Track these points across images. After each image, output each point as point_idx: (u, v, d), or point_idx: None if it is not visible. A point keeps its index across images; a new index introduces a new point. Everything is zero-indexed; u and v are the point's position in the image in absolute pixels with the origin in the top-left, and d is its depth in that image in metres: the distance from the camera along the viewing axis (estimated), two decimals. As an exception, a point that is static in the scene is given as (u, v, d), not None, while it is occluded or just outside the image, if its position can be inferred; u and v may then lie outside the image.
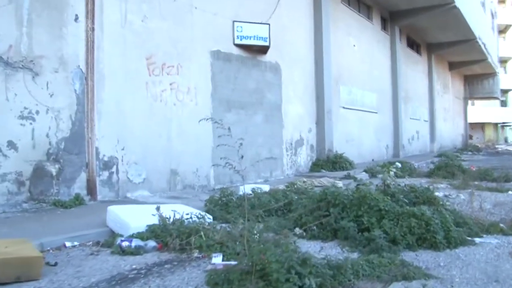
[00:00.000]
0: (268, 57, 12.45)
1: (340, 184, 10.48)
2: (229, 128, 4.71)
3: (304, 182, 10.56)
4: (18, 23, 7.35)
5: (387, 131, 21.10)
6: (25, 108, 7.33)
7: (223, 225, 5.67)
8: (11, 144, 7.15)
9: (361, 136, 18.10)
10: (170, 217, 5.42)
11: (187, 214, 5.56)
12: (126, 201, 8.30)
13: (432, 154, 24.44)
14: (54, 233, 5.54)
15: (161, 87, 9.44)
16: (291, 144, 13.44)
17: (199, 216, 5.59)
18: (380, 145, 20.15)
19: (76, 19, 8.05)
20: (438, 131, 30.18)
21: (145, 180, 9.02)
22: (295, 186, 9.09)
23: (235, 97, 11.28)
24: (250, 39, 11.41)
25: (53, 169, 7.70)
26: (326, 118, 14.71)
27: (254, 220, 5.69)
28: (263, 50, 11.93)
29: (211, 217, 6.04)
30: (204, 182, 10.32)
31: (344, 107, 16.78)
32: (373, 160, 18.56)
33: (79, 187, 7.91)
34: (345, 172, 13.15)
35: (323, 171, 14.03)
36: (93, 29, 8.30)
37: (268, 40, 11.49)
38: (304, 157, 14.13)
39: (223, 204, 7.09)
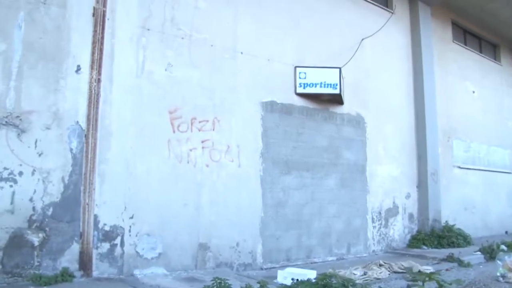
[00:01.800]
0: (346, 108, 9.75)
1: (430, 270, 7.22)
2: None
3: (380, 265, 7.54)
4: (5, 77, 5.97)
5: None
6: (5, 168, 5.87)
7: None
8: (-20, 209, 5.56)
9: (486, 203, 13.88)
10: None
11: None
12: (127, 280, 6.37)
13: None
14: None
15: (189, 145, 7.39)
16: (380, 213, 10.24)
17: None
18: (516, 214, 15.43)
19: (78, 70, 6.56)
20: None
21: (161, 255, 6.95)
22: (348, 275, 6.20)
23: (297, 157, 8.73)
24: (315, 86, 8.91)
25: (35, 238, 6.08)
26: (430, 181, 11.22)
27: None
28: (337, 100, 9.26)
29: None
30: (248, 259, 7.82)
31: (459, 167, 12.98)
32: (506, 232, 14.11)
33: (68, 260, 6.19)
34: (451, 251, 9.51)
35: (424, 247, 10.48)
36: (99, 80, 6.72)
37: (338, 87, 8.85)
38: (400, 229, 10.75)
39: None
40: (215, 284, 4.80)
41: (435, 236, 10.74)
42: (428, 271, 7.45)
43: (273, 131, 8.44)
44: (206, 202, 7.49)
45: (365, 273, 7.29)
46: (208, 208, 7.49)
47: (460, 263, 8.70)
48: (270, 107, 8.46)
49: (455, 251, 9.70)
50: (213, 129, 7.71)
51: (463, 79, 13.66)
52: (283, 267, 8.05)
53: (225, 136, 7.83)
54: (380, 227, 10.21)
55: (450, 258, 8.87)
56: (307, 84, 8.89)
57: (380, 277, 7.22)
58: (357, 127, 9.96)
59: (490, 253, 9.47)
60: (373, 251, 9.98)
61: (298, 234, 8.60)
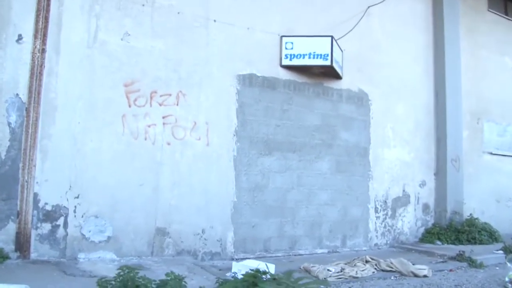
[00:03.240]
0: (346, 83, 8.63)
1: (424, 272, 6.11)
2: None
3: (366, 261, 6.53)
4: None
5: None
6: None
7: None
8: None
9: (526, 195, 12.10)
10: None
11: None
12: (63, 264, 5.77)
13: None
14: None
15: (147, 121, 6.68)
16: (385, 202, 9.04)
17: None
18: None
19: (19, 39, 6.00)
20: None
21: (111, 239, 6.33)
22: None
23: (281, 137, 7.78)
24: (303, 58, 7.85)
25: (-39, 216, 5.64)
26: (450, 168, 9.82)
27: None
28: (333, 73, 8.17)
29: None
30: (216, 248, 7.04)
31: (491, 153, 11.35)
32: (549, 229, 12.24)
33: (3, 240, 5.68)
34: (469, 248, 8.21)
35: (438, 243, 9.18)
36: (43, 51, 6.20)
37: (329, 58, 7.76)
38: (411, 221, 9.48)
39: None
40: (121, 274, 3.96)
41: (453, 231, 9.38)
42: (423, 272, 6.34)
43: (251, 108, 7.52)
44: (167, 183, 6.73)
45: (342, 270, 6.26)
46: (169, 190, 6.74)
47: (471, 263, 7.44)
48: (248, 80, 7.53)
49: (474, 249, 8.42)
50: (177, 104, 6.92)
51: (500, 54, 11.93)
52: (259, 258, 7.16)
53: (192, 112, 7.02)
54: (385, 218, 9.02)
55: (459, 257, 7.61)
56: (294, 55, 7.87)
57: (359, 275, 6.16)
58: (359, 105, 8.80)
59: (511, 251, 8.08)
60: (376, 244, 8.82)
61: (280, 223, 7.65)
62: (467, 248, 8.46)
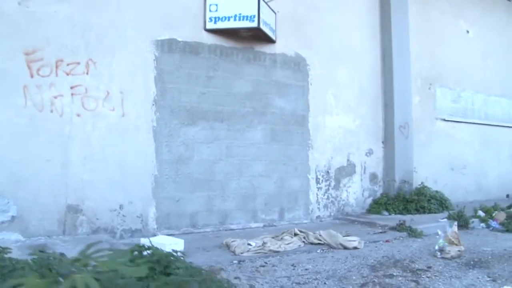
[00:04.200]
0: (281, 47, 8.39)
1: (354, 244, 5.95)
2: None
3: (295, 234, 6.39)
4: None
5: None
6: None
7: None
8: None
9: (483, 162, 12.14)
10: None
11: None
12: None
13: None
14: None
15: (53, 92, 6.37)
16: (328, 172, 8.88)
17: None
18: (522, 175, 13.50)
19: None
20: None
21: (16, 219, 6.04)
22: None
23: (207, 105, 7.52)
24: (229, 20, 7.54)
25: None
26: (398, 135, 9.69)
27: None
28: (265, 37, 7.90)
29: None
30: (136, 225, 6.80)
31: (445, 119, 11.26)
32: (507, 196, 12.34)
33: None
34: (411, 218, 8.15)
35: (385, 213, 9.07)
36: None
37: (256, 19, 7.48)
38: (357, 192, 9.36)
39: None
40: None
41: (401, 200, 9.30)
42: (352, 244, 6.18)
43: (172, 75, 7.24)
44: (77, 158, 6.45)
45: (263, 244, 6.04)
46: (80, 165, 6.46)
47: (411, 232, 7.34)
48: (168, 46, 7.23)
49: (420, 218, 8.38)
50: (87, 73, 6.60)
51: (454, 16, 11.82)
52: (185, 234, 7.00)
53: (104, 81, 6.71)
54: (328, 189, 8.87)
55: (399, 227, 7.51)
56: (219, 18, 7.58)
57: (281, 249, 5.95)
58: (296, 70, 8.57)
59: (458, 219, 7.98)
60: (318, 217, 8.68)
61: (208, 196, 7.44)
62: (411, 217, 8.40)
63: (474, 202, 10.21)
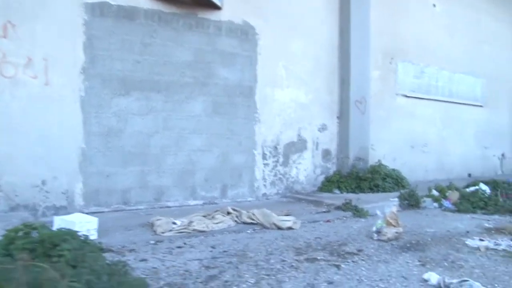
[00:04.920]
0: (227, 14, 8.08)
1: (288, 224, 5.80)
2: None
3: (228, 213, 6.21)
4: None
5: (504, 135, 14.25)
6: None
7: None
8: None
9: (445, 141, 12.08)
10: None
11: None
12: None
13: None
14: None
15: (-38, 56, 5.89)
16: (276, 148, 8.68)
17: None
18: (486, 155, 13.53)
19: None
20: None
21: None
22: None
23: (143, 74, 7.22)
24: (167, -17, 7.18)
25: None
26: (354, 110, 9.53)
27: None
28: (208, 2, 7.55)
29: None
30: (61, 201, 6.55)
31: (406, 96, 11.12)
32: (469, 175, 12.34)
33: None
34: (364, 197, 8.07)
35: (337, 191, 8.94)
36: None
37: (197, -17, 7.10)
38: (308, 169, 9.19)
39: None
40: None
41: (354, 178, 9.16)
42: (286, 224, 6.00)
43: (104, 41, 6.90)
44: (-7, 128, 6.09)
45: (189, 223, 5.82)
46: (-4, 135, 6.10)
47: (356, 212, 7.20)
48: (99, 10, 6.86)
49: (371, 197, 8.27)
50: (5, 37, 6.22)
51: (420, -12, 11.55)
52: (116, 211, 6.77)
53: (25, 46, 6.35)
54: (275, 166, 8.68)
55: (345, 206, 7.36)
56: (156, -20, 7.19)
57: (208, 229, 5.73)
58: (244, 39, 8.28)
59: (409, 199, 7.90)
60: (264, 194, 8.51)
61: (141, 172, 7.19)
62: (361, 196, 8.32)
63: (434, 181, 10.15)
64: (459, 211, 7.77)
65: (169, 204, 7.43)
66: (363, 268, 4.18)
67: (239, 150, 8.19)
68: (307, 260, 4.44)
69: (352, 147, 9.46)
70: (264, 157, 8.52)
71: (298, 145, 9.03)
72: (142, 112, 7.23)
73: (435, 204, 8.23)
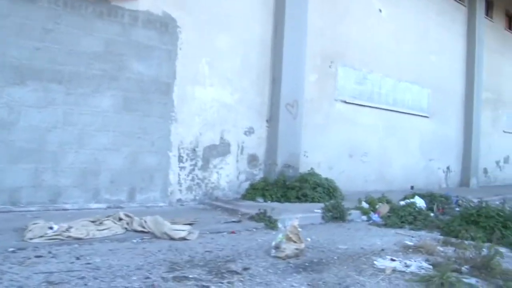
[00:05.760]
0: (145, 3, 7.72)
1: (181, 234, 5.49)
2: None
3: (120, 219, 5.85)
4: None
5: (450, 147, 14.36)
6: None
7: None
8: None
9: (387, 150, 12.00)
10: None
11: None
12: None
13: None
14: None
15: None
16: (194, 150, 8.37)
17: None
18: (431, 167, 13.57)
19: None
20: None
21: None
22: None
23: (42, 63, 6.83)
24: (73, -35, 6.80)
25: None
26: (284, 114, 9.31)
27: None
28: (123, -10, 7.22)
29: None
30: None
31: (346, 102, 10.98)
32: (412, 188, 12.25)
33: None
34: (289, 207, 7.81)
35: (259, 200, 8.66)
36: None
37: (105, -33, 6.74)
38: (231, 175, 8.92)
39: None
40: None
41: (281, 187, 8.88)
42: (179, 234, 5.61)
43: (-5, 24, 6.44)
44: None
45: (68, 229, 5.39)
46: None
47: (269, 223, 6.87)
48: (-10, -11, 6.42)
49: (294, 207, 8.02)
50: None
51: (367, -7, 11.50)
52: (1, 212, 6.29)
53: None
54: (193, 169, 8.37)
55: (258, 216, 7.04)
56: (61, -39, 6.81)
57: (84, 236, 5.30)
58: (163, 31, 7.97)
59: (333, 211, 7.67)
60: (179, 200, 8.18)
61: (35, 169, 6.76)
62: (282, 206, 8.08)
63: (374, 193, 9.95)
64: (386, 225, 7.53)
65: (67, 206, 7.01)
66: (236, 292, 3.80)
67: (151, 150, 7.84)
68: (174, 278, 4.02)
69: (281, 153, 9.22)
70: (180, 159, 8.19)
71: (221, 149, 8.74)
72: (40, 105, 6.81)
73: (364, 217, 8.01)
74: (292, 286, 3.95)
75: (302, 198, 8.87)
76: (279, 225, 5.60)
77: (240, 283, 3.94)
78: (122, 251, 4.89)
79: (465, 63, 15.03)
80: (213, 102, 8.62)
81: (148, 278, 3.96)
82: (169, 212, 7.32)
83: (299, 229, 5.21)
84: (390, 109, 12.00)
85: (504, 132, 17.87)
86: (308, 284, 4.00)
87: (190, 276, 4.08)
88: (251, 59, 9.17)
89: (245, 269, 4.40)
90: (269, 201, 8.64)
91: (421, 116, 13.01)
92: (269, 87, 9.43)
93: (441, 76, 13.76)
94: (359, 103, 11.22)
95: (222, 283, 3.92)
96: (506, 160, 18.09)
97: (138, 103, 7.68)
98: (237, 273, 4.26)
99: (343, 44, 10.88)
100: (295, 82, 9.50)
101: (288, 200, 8.76)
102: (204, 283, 3.88)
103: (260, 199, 8.66)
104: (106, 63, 7.38)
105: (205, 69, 8.51)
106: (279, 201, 8.71)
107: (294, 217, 7.23)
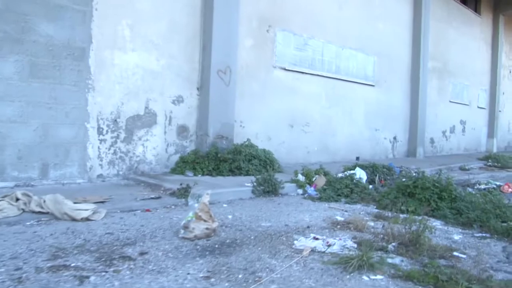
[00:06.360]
0: (51, -41, 7.01)
1: (84, 214, 5.01)
2: None
3: (17, 199, 5.32)
4: None
5: (396, 117, 14.34)
6: None
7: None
8: None
9: (331, 120, 11.78)
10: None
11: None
12: None
13: (483, 155, 17.14)
14: None
15: None
16: (116, 121, 7.86)
17: None
18: (377, 137, 13.50)
19: None
20: (505, 123, 21.98)
21: None
22: None
23: None
24: None
25: None
26: (216, 81, 8.88)
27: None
28: None
29: None
30: None
31: (285, 69, 10.62)
32: (357, 159, 12.12)
33: None
34: (221, 181, 7.44)
35: (189, 174, 8.26)
36: None
37: None
38: (158, 147, 8.46)
39: None
40: None
41: (213, 159, 8.49)
42: (82, 214, 5.12)
43: None
44: None
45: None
46: None
47: (185, 191, 6.51)
48: None
49: (222, 181, 7.64)
50: None
51: (306, -48, 11.06)
52: None
53: None
54: (115, 142, 7.87)
55: (180, 192, 6.64)
56: None
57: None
58: (74, -9, 7.30)
59: (264, 185, 7.36)
60: (100, 175, 7.69)
61: None
62: (210, 180, 7.75)
63: (317, 164, 9.72)
64: (320, 199, 7.26)
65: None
66: (116, 283, 3.30)
67: (65, 122, 7.29)
68: (50, 268, 3.54)
69: (213, 123, 8.82)
70: (100, 131, 7.67)
71: (146, 119, 8.26)
72: None
73: (299, 191, 7.74)
74: (188, 273, 3.53)
75: (236, 171, 8.55)
76: (190, 201, 5.17)
77: (128, 272, 3.52)
78: (7, 237, 4.40)
79: (412, 31, 14.93)
80: (136, 68, 8.09)
81: (19, 269, 3.48)
82: (87, 189, 6.91)
83: (209, 206, 4.82)
84: (333, 77, 11.74)
85: (450, 102, 18.05)
86: (208, 271, 3.59)
87: (72, 264, 3.63)
88: (179, 22, 8.66)
89: (142, 253, 4.00)
90: (200, 175, 8.28)
91: (366, 84, 12.82)
92: (199, 53, 8.97)
93: (387, 43, 13.59)
94: (299, 70, 10.89)
95: (106, 272, 3.49)
96: (452, 130, 18.32)
97: (48, 69, 7.08)
98: (131, 258, 3.84)
99: (282, 7, 10.48)
100: (227, 47, 9.07)
101: (220, 173, 8.42)
102: (85, 273, 3.44)
103: (190, 173, 8.28)
104: (7, 24, 6.73)
105: (126, 33, 7.96)
106: (210, 174, 8.36)
107: (225, 191, 6.96)
